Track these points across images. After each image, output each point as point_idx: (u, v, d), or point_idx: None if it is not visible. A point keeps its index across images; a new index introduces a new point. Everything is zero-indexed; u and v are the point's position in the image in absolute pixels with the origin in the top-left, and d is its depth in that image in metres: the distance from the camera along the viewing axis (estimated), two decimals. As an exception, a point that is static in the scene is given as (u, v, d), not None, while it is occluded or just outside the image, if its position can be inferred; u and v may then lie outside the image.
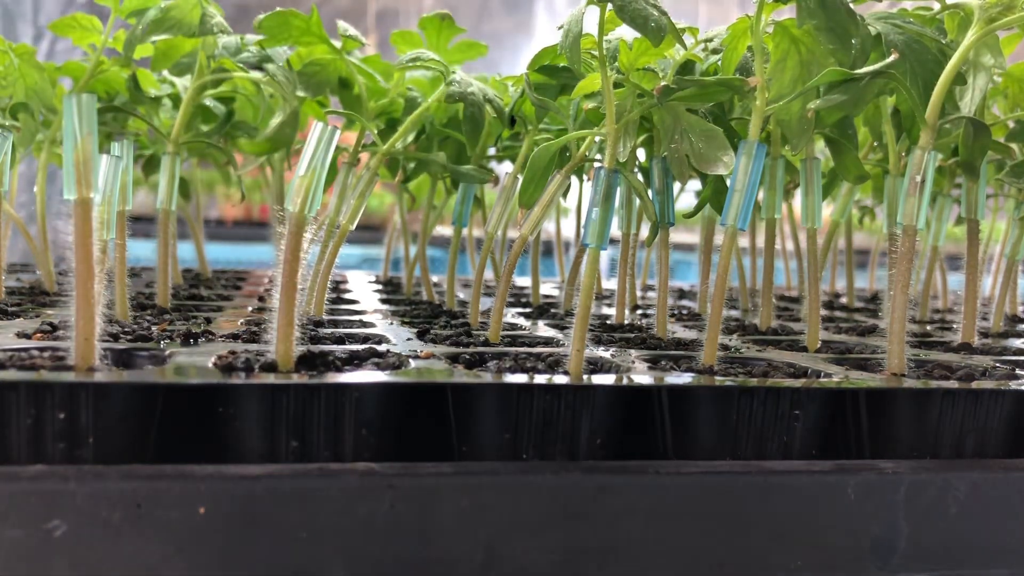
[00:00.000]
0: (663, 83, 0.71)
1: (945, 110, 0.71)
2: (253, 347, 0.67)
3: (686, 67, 0.80)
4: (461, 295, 1.19)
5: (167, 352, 0.64)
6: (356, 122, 0.91)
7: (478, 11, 4.86)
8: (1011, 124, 0.89)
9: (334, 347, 0.69)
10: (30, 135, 0.91)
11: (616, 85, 0.74)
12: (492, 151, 1.04)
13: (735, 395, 0.62)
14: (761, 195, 0.85)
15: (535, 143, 0.87)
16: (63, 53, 2.17)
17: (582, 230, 0.93)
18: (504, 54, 4.30)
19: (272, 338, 0.59)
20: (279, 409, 0.56)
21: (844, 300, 1.38)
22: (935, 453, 0.65)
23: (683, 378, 0.64)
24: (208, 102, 1.04)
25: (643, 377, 0.64)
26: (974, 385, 0.65)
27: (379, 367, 0.64)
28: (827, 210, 1.22)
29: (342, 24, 0.89)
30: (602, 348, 0.76)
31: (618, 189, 0.73)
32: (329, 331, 0.80)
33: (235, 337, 0.73)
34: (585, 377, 0.62)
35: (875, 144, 0.98)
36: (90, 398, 0.53)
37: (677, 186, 0.95)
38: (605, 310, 1.11)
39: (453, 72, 0.88)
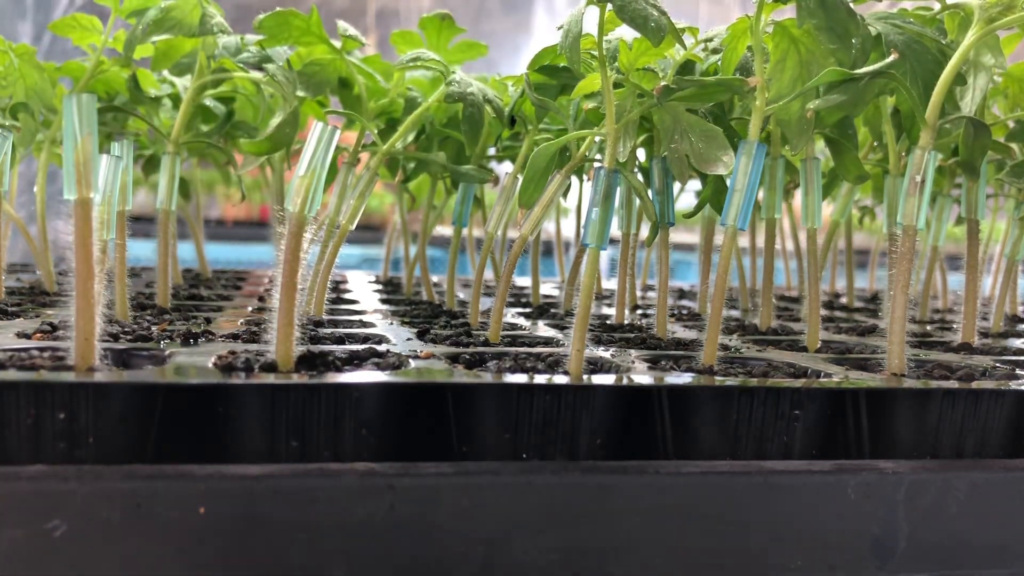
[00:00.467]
0: (663, 83, 0.71)
1: (945, 110, 0.71)
2: (253, 347, 0.67)
3: (686, 67, 0.80)
4: (461, 295, 1.19)
5: (167, 352, 0.64)
6: (356, 122, 0.91)
7: (477, 11, 4.85)
8: (1011, 124, 0.89)
9: (334, 347, 0.69)
10: (30, 135, 0.91)
11: (616, 85, 0.74)
12: (492, 151, 1.04)
13: (735, 395, 0.62)
14: (761, 195, 0.85)
15: (535, 143, 0.87)
16: (63, 53, 2.17)
17: (582, 230, 0.93)
18: (503, 54, 4.30)
19: (272, 338, 0.59)
20: (279, 409, 0.56)
21: (844, 300, 1.38)
22: (935, 453, 0.65)
23: (683, 378, 0.64)
24: (208, 102, 1.04)
25: (643, 377, 0.64)
26: (974, 385, 0.65)
27: (379, 367, 0.64)
28: (827, 210, 1.22)
29: (342, 24, 0.89)
30: (602, 348, 0.76)
31: (618, 189, 0.73)
32: (329, 331, 0.80)
33: (235, 337, 0.73)
34: (585, 377, 0.62)
35: (875, 144, 0.98)
36: (90, 398, 0.53)
37: (677, 186, 0.95)
38: (605, 310, 1.11)
39: (453, 72, 0.88)
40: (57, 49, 2.12)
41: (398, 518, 0.53)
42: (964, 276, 0.87)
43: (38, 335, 0.69)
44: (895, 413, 0.65)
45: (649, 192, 0.85)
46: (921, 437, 0.65)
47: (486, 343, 0.76)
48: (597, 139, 0.84)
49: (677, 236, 0.91)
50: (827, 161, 0.97)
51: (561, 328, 0.90)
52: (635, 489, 0.56)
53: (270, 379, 0.56)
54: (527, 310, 1.08)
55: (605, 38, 0.68)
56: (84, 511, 0.49)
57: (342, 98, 0.94)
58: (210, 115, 1.07)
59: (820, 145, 0.99)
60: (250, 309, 0.96)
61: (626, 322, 0.95)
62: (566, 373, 0.64)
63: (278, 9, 0.83)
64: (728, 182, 0.69)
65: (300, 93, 0.87)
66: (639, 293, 1.35)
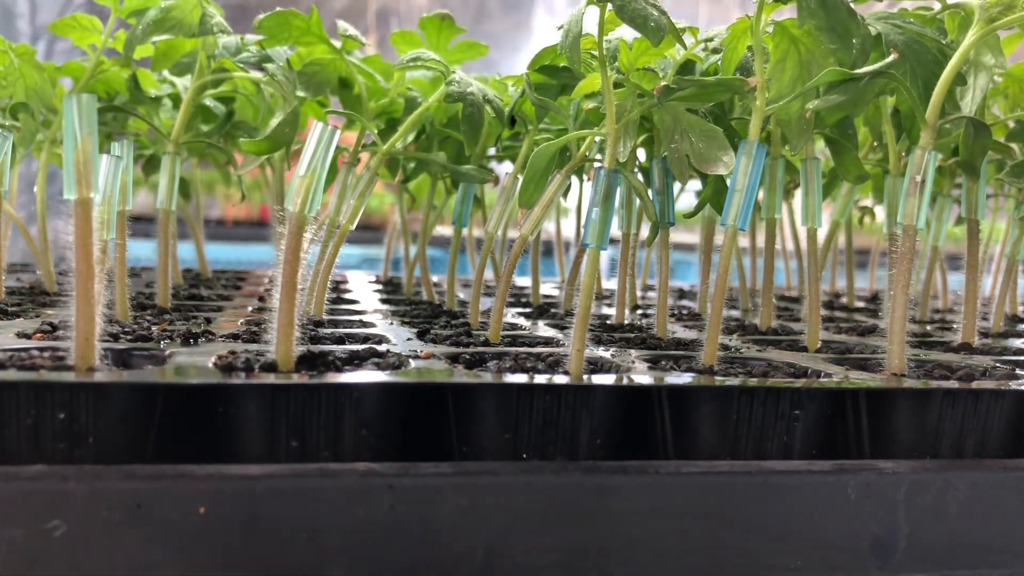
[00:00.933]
0: (663, 83, 0.71)
1: (945, 110, 0.71)
2: (253, 347, 0.67)
3: (686, 67, 0.80)
4: (461, 295, 1.19)
5: (167, 352, 0.64)
6: (356, 122, 0.91)
7: (477, 11, 4.85)
8: (1011, 124, 0.89)
9: (334, 347, 0.69)
10: (30, 135, 0.91)
11: (616, 85, 0.74)
12: (492, 151, 1.04)
13: (735, 395, 0.62)
14: (761, 195, 0.85)
15: (535, 143, 0.87)
16: (63, 53, 2.17)
17: (582, 230, 0.93)
18: (503, 54, 4.29)
19: (272, 338, 0.59)
20: (279, 409, 0.56)
21: (844, 300, 1.38)
22: (935, 453, 0.65)
23: (683, 378, 0.64)
24: (208, 102, 1.04)
25: (643, 377, 0.64)
26: (974, 385, 0.65)
27: (379, 367, 0.64)
28: (827, 210, 1.22)
29: (342, 24, 0.89)
30: (602, 348, 0.76)
31: (618, 189, 0.73)
32: (329, 331, 0.80)
33: (235, 337, 0.73)
34: (585, 377, 0.62)
35: (875, 144, 0.98)
36: (90, 398, 0.53)
37: (677, 186, 0.95)
38: (605, 310, 1.11)
39: (453, 72, 0.88)
40: (57, 49, 2.13)
41: (398, 518, 0.53)
42: (964, 276, 0.87)
43: (38, 335, 0.69)
44: (895, 413, 0.65)
45: (649, 192, 0.85)
46: (921, 437, 0.65)
47: (486, 343, 0.76)
48: (597, 139, 0.84)
49: (677, 236, 0.91)
50: (827, 161, 0.97)
51: (561, 328, 0.90)
52: (635, 489, 0.56)
53: (270, 379, 0.56)
54: (527, 310, 1.08)
55: (605, 38, 0.68)
56: (84, 511, 0.49)
57: (342, 98, 0.94)
58: (210, 115, 1.07)
59: (820, 145, 0.99)
60: (250, 309, 0.96)
61: (626, 322, 0.95)
62: (566, 373, 0.64)
63: (278, 9, 0.83)
64: (728, 182, 0.69)
65: (300, 93, 0.87)
66: (639, 293, 1.35)
